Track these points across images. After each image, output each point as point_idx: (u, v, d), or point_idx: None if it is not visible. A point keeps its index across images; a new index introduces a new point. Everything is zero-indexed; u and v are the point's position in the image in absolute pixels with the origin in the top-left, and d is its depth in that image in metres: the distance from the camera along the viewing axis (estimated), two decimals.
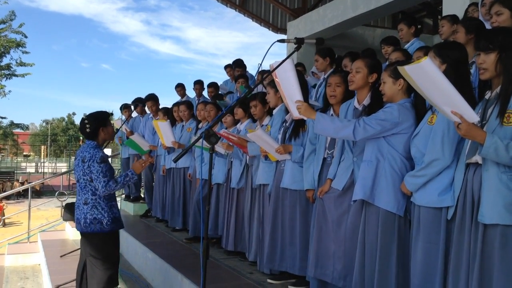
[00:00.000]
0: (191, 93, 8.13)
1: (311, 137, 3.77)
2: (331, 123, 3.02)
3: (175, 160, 2.85)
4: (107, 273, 3.65)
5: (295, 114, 3.25)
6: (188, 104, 6.42)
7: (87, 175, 3.59)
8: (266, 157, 4.15)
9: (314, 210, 3.60)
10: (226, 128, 5.09)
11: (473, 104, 2.39)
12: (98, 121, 3.71)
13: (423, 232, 2.66)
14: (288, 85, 3.21)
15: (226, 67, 7.83)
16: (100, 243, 3.65)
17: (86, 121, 3.70)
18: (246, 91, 3.17)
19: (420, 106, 2.91)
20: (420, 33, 4.77)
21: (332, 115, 3.57)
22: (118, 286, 3.85)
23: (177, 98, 8.11)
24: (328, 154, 3.60)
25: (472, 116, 2.24)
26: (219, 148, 4.95)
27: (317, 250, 3.42)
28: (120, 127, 7.32)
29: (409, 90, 2.95)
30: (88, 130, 3.67)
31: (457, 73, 2.59)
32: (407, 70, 2.27)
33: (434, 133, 2.65)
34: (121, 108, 8.01)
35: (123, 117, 7.81)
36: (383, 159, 2.94)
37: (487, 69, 2.37)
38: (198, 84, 7.87)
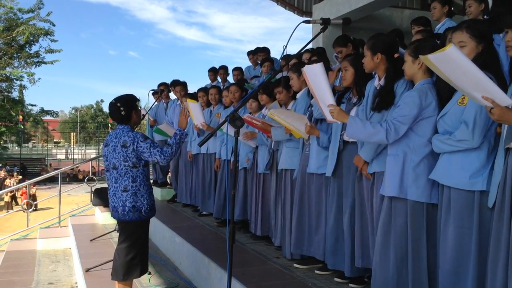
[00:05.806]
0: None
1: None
2: (362, 128, 2.94)
3: (201, 144, 2.86)
4: (127, 260, 3.54)
5: (329, 117, 3.22)
6: (218, 88, 6.43)
7: (129, 160, 3.47)
8: (290, 135, 4.10)
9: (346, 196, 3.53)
10: (250, 113, 5.06)
11: (504, 85, 2.28)
12: (131, 104, 3.63)
13: (454, 216, 2.57)
14: (320, 89, 3.15)
15: (248, 53, 7.81)
16: (133, 230, 3.56)
17: (118, 104, 3.58)
18: (270, 74, 3.12)
19: (441, 88, 2.80)
20: (453, 14, 4.61)
21: (350, 97, 3.56)
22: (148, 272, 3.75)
23: (203, 84, 8.10)
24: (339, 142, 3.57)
25: (505, 100, 2.13)
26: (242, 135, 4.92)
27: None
28: (144, 116, 7.37)
29: (430, 69, 2.85)
30: (123, 113, 3.57)
31: (492, 51, 2.48)
32: (431, 59, 2.15)
33: (466, 114, 2.53)
34: (153, 94, 8.06)
35: (147, 106, 7.84)
36: (410, 152, 2.86)
37: None
38: (223, 69, 7.83)
